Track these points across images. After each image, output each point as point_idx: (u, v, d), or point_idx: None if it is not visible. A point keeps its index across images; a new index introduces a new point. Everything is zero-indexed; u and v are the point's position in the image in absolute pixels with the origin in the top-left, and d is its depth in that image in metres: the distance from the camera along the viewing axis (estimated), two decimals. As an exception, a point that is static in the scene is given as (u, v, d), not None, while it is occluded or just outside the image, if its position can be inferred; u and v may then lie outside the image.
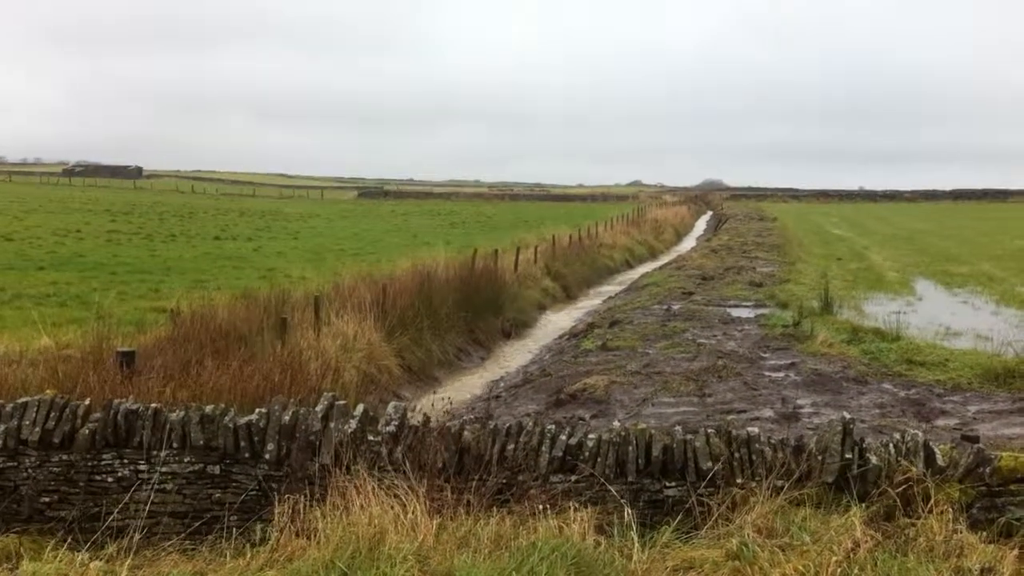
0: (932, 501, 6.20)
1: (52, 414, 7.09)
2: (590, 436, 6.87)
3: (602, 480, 6.63)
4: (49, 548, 6.12)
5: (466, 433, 6.96)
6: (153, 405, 7.21)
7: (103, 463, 7.01)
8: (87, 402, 7.31)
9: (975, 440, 8.55)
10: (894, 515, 6.23)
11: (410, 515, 6.17)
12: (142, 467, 6.99)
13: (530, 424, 7.04)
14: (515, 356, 19.36)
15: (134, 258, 29.38)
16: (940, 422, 10.65)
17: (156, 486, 6.87)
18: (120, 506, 6.78)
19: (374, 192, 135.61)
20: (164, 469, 6.93)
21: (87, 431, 7.02)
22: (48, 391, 7.54)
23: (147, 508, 6.75)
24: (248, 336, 12.51)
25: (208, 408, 7.19)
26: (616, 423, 7.34)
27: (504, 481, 6.72)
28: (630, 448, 6.70)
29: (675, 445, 6.71)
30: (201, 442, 6.97)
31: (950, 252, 36.73)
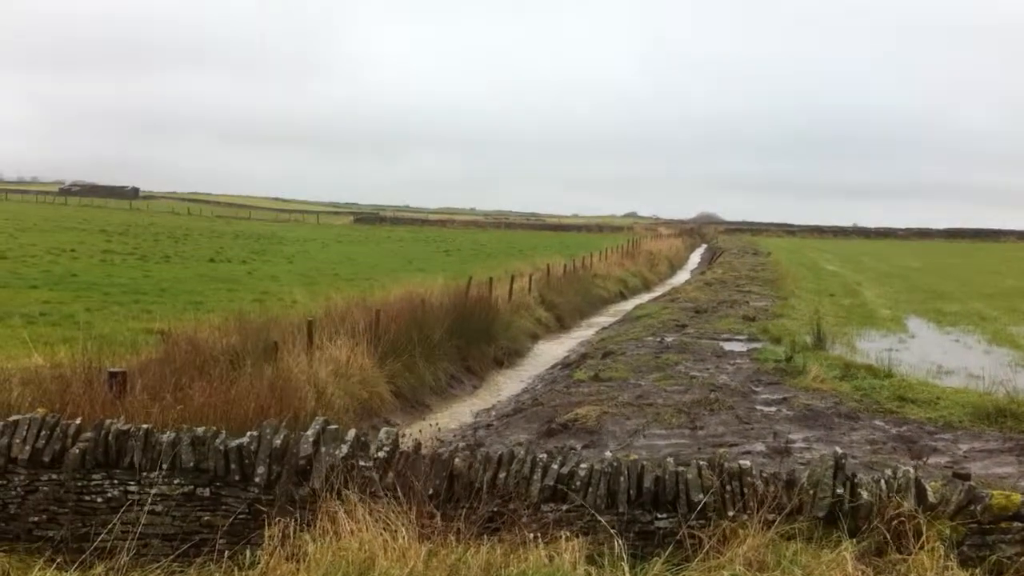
0: (923, 538, 6.20)
1: (42, 432, 7.07)
2: (582, 466, 6.86)
3: (593, 511, 6.61)
4: (37, 568, 6.10)
5: (457, 460, 6.94)
6: (144, 426, 7.19)
7: (93, 483, 6.98)
8: (78, 421, 7.29)
9: (966, 478, 8.54)
10: (885, 551, 6.23)
11: (400, 541, 6.15)
12: (132, 488, 6.96)
13: (522, 452, 7.03)
14: (507, 385, 19.33)
15: (128, 278, 29.32)
16: (931, 459, 10.64)
17: (146, 507, 6.84)
18: (109, 527, 6.75)
19: (370, 217, 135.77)
20: (154, 491, 6.91)
21: (77, 450, 7.00)
22: (39, 410, 7.53)
23: (136, 529, 6.71)
24: (240, 359, 12.48)
25: (199, 430, 7.17)
26: (608, 453, 7.33)
27: (495, 509, 6.70)
28: (622, 479, 6.70)
29: (667, 477, 6.70)
30: (192, 464, 6.95)
31: (942, 290, 36.84)
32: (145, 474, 6.97)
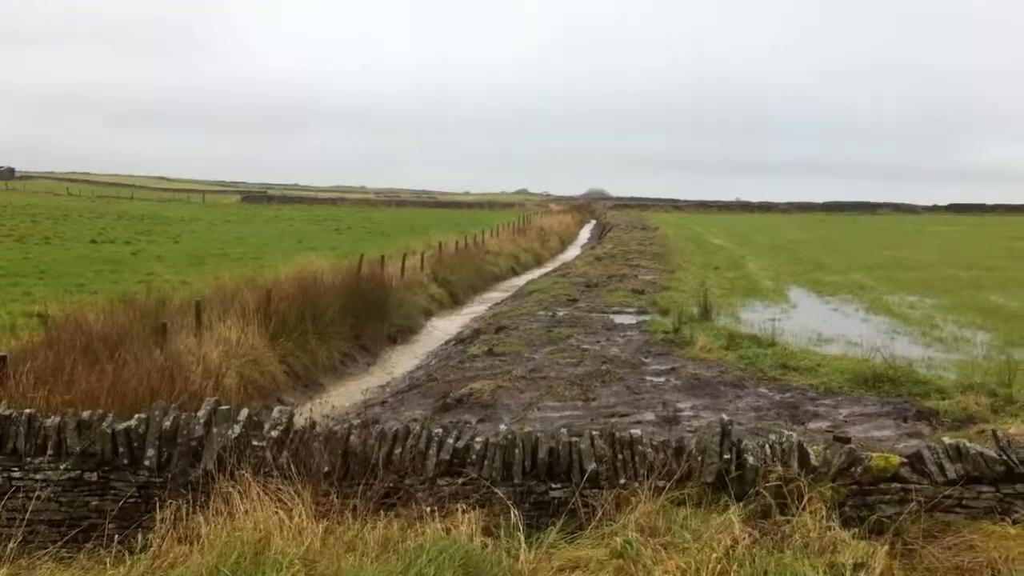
0: (806, 499, 6.44)
1: (-82, 420, 6.82)
2: (477, 439, 6.93)
3: (488, 483, 6.69)
4: (-84, 559, 5.89)
5: (352, 437, 6.94)
6: (27, 411, 7.00)
7: (-26, 471, 6.77)
8: (-44, 408, 7.05)
9: (847, 441, 8.93)
10: (770, 513, 6.45)
11: (296, 520, 6.13)
12: (16, 474, 6.78)
13: (417, 428, 7.06)
14: (402, 362, 19.30)
15: (6, 261, 28.28)
16: (813, 424, 11.02)
17: (31, 493, 6.66)
18: (-8, 514, 6.56)
19: (258, 197, 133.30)
20: (39, 476, 6.74)
21: (-44, 438, 6.77)
22: (-86, 397, 7.25)
23: (23, 516, 6.54)
24: (127, 341, 12.19)
25: (85, 414, 7.01)
26: (503, 427, 7.41)
27: (391, 485, 6.72)
28: (516, 451, 6.78)
29: (560, 448, 6.81)
30: (78, 448, 6.80)
31: (823, 262, 37.99)
32: (30, 460, 6.79)
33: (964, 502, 6.65)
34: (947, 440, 7.00)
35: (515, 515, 6.37)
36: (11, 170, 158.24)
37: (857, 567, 5.80)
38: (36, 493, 6.69)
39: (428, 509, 6.39)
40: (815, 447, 7.09)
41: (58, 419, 6.94)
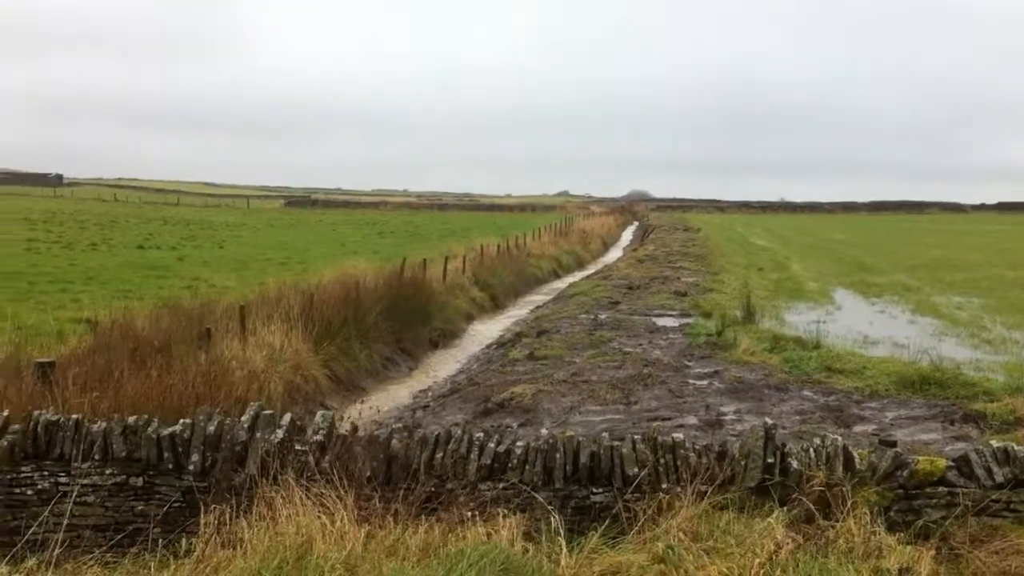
0: (850, 504, 6.36)
1: (-31, 426, 6.93)
2: (518, 444, 6.92)
3: (530, 487, 6.68)
4: (-34, 562, 5.98)
5: (394, 442, 6.96)
6: (74, 416, 7.09)
7: (22, 475, 6.87)
8: (5, 413, 7.16)
9: (892, 445, 8.79)
10: (814, 518, 6.37)
11: (338, 524, 6.15)
12: (63, 479, 6.86)
13: (458, 432, 7.06)
14: (443, 366, 19.35)
15: (53, 267, 28.70)
16: (858, 428, 10.90)
17: (77, 499, 6.75)
18: (40, 519, 6.64)
19: (301, 201, 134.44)
20: (85, 481, 6.82)
21: (5, 443, 6.88)
22: (-36, 403, 7.37)
23: (68, 521, 6.62)
24: (172, 346, 12.32)
25: (131, 419, 7.09)
26: (544, 431, 7.41)
27: (432, 489, 6.73)
28: (557, 455, 6.76)
29: (602, 452, 6.78)
30: (123, 453, 6.87)
31: (868, 263, 37.59)
32: (76, 465, 6.87)
33: (1012, 506, 6.52)
34: (995, 443, 6.88)
35: (556, 520, 6.35)
36: (59, 177, 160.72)
37: (903, 572, 5.72)
38: (82, 498, 6.77)
39: (469, 514, 6.38)
40: (860, 451, 7.00)
41: (104, 424, 7.02)
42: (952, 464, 6.76)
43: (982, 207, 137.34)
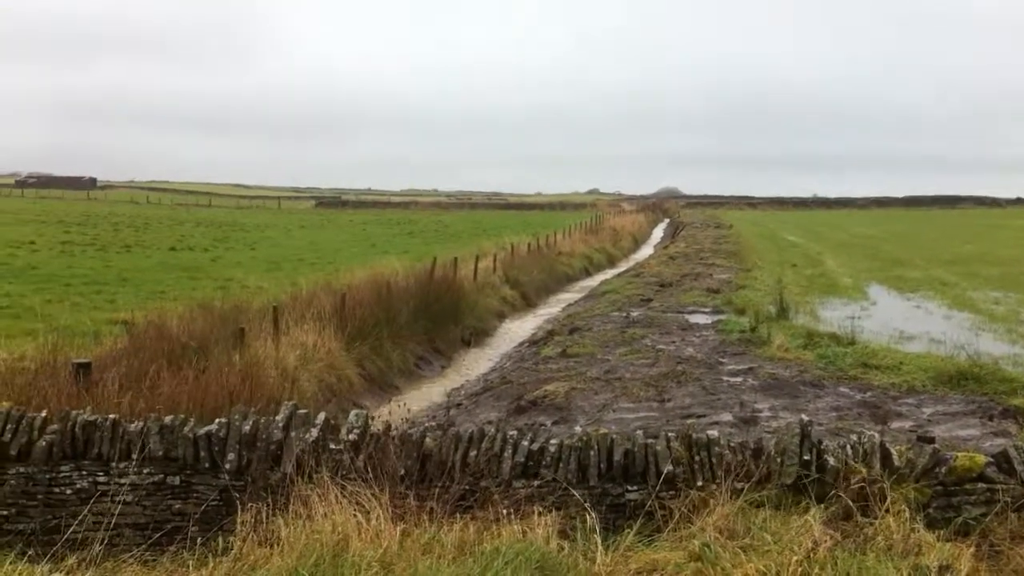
0: (889, 501, 6.30)
1: (8, 426, 7.01)
2: (552, 441, 6.90)
3: (565, 485, 6.66)
4: (8, 561, 6.05)
5: (428, 440, 6.96)
6: (111, 416, 7.15)
7: (61, 475, 6.94)
8: (43, 414, 7.23)
9: (931, 441, 8.69)
10: (852, 515, 6.32)
11: (373, 522, 6.16)
12: (101, 479, 6.92)
13: (492, 430, 7.06)
14: (475, 364, 19.37)
15: (88, 269, 29.01)
16: (896, 424, 10.80)
17: (116, 497, 6.81)
18: (80, 518, 6.71)
19: (331, 202, 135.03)
20: (123, 480, 6.87)
21: (44, 443, 6.95)
22: (4, 403, 7.45)
23: (107, 520, 6.68)
24: (206, 346, 12.41)
25: (167, 419, 7.14)
26: (578, 428, 7.39)
27: (467, 487, 6.73)
28: (592, 453, 6.74)
29: (636, 449, 6.75)
30: (161, 453, 6.92)
31: (903, 257, 37.26)
32: (114, 464, 6.93)
33: (1054, 503, 6.44)
34: (1036, 439, 6.79)
35: (591, 517, 6.33)
36: (93, 180, 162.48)
37: (942, 569, 5.65)
38: (121, 497, 6.83)
39: (504, 511, 6.38)
40: (898, 447, 6.93)
41: (141, 424, 7.08)
42: (991, 460, 6.67)
43: (1018, 201, 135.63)
